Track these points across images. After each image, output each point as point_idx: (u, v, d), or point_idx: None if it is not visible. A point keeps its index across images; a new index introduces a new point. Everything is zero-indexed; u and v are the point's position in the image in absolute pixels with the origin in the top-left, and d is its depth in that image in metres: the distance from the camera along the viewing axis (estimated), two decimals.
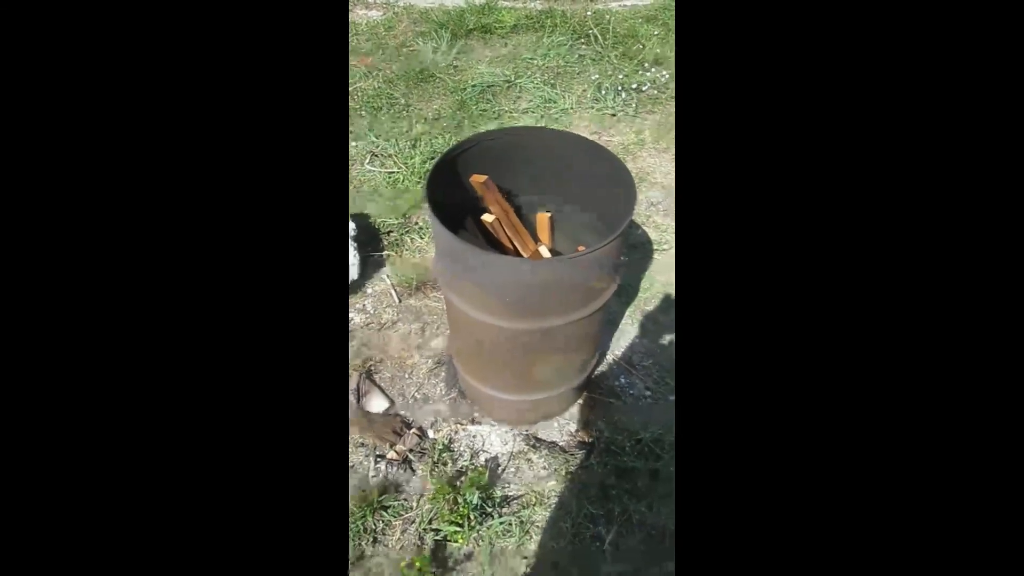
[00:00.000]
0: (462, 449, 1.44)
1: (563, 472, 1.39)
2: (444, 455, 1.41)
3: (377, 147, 2.22)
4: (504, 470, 1.41)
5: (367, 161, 2.18)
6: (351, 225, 1.77)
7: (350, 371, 1.56)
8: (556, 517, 1.32)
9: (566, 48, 2.70)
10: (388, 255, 1.87)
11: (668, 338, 1.67)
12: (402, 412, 1.52)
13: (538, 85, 2.52)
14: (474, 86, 2.50)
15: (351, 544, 1.27)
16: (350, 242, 1.72)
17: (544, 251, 1.40)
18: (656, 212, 2.03)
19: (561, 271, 1.08)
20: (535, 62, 2.65)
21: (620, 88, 2.50)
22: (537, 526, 1.31)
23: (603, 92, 2.48)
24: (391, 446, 1.43)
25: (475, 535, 1.28)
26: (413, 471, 1.40)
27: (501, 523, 1.29)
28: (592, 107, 2.44)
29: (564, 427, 1.49)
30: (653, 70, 2.60)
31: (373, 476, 1.39)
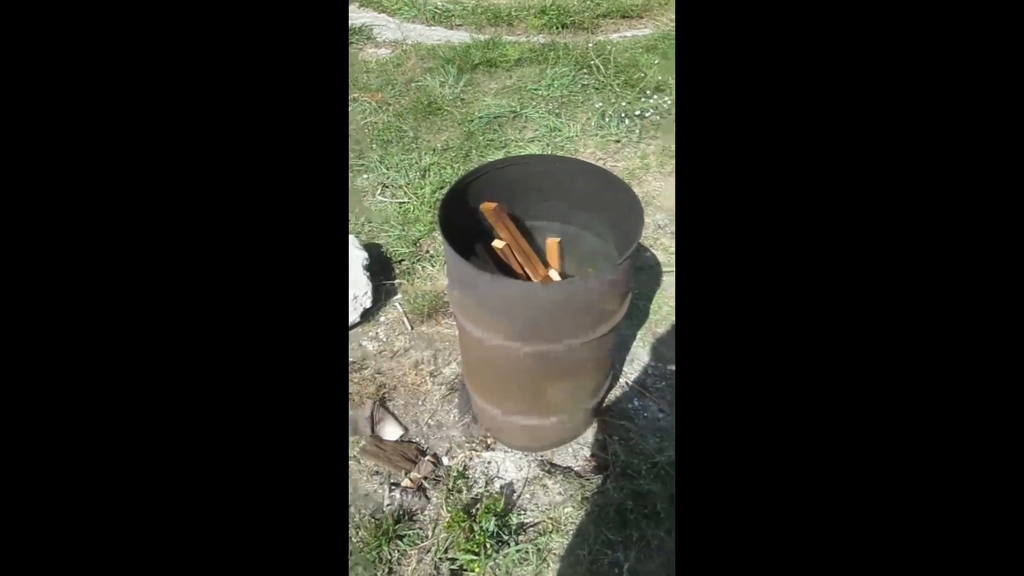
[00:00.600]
0: (477, 476, 1.43)
1: (579, 497, 1.38)
2: (459, 482, 1.41)
3: (388, 178, 2.28)
4: (519, 496, 1.40)
5: (379, 192, 2.23)
6: (363, 255, 1.80)
7: (364, 399, 1.57)
8: (573, 544, 1.30)
9: (569, 79, 2.77)
10: (400, 283, 1.90)
11: None
12: (416, 439, 1.52)
13: (543, 115, 2.58)
14: (481, 117, 2.56)
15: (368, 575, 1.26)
16: (362, 271, 1.75)
17: (554, 275, 1.42)
18: (663, 234, 2.05)
19: (571, 293, 1.09)
20: (540, 93, 2.72)
21: (623, 115, 2.55)
22: (554, 553, 1.29)
23: (607, 119, 2.53)
24: (406, 474, 1.42)
25: (491, 564, 1.26)
26: (428, 499, 1.39)
27: (518, 551, 1.28)
28: (596, 134, 2.48)
29: (579, 452, 1.48)
30: (655, 97, 2.66)
31: (388, 504, 1.38)
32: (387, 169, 2.31)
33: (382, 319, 1.80)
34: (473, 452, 1.48)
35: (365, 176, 2.30)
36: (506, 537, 1.29)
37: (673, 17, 3.28)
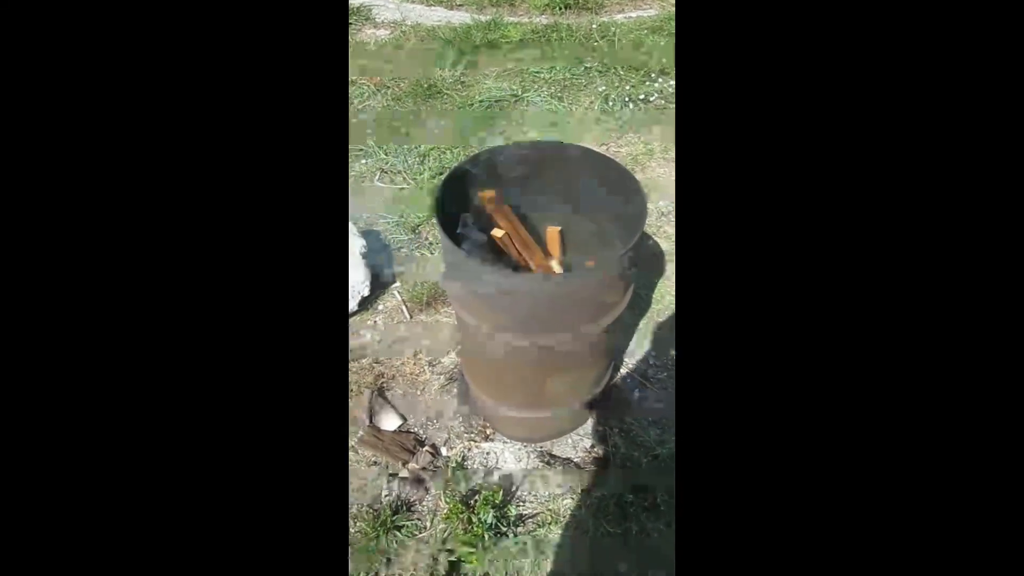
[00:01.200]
0: (476, 466, 1.42)
1: (579, 489, 1.37)
2: (458, 473, 1.40)
3: (386, 163, 2.24)
4: (518, 488, 1.39)
5: (376, 177, 2.20)
6: (362, 243, 1.77)
7: (362, 389, 1.55)
8: (572, 536, 1.30)
9: (572, 61, 2.71)
10: (399, 271, 1.87)
11: None
12: (415, 429, 1.51)
13: (545, 99, 2.53)
14: (481, 101, 2.51)
15: (365, 567, 1.26)
16: (360, 259, 1.73)
17: (555, 265, 1.39)
18: (667, 222, 2.02)
19: (571, 285, 1.07)
20: (542, 76, 2.66)
21: (627, 99, 2.50)
22: (553, 546, 1.28)
23: (610, 104, 2.48)
24: (404, 464, 1.41)
25: (490, 556, 1.26)
26: (427, 489, 1.38)
27: (516, 543, 1.27)
28: (600, 119, 2.43)
29: (579, 443, 1.47)
30: (660, 80, 2.60)
31: (386, 495, 1.37)
32: (385, 154, 2.27)
33: (380, 308, 1.78)
34: (472, 443, 1.47)
35: (363, 161, 2.26)
36: (505, 529, 1.28)
37: None
